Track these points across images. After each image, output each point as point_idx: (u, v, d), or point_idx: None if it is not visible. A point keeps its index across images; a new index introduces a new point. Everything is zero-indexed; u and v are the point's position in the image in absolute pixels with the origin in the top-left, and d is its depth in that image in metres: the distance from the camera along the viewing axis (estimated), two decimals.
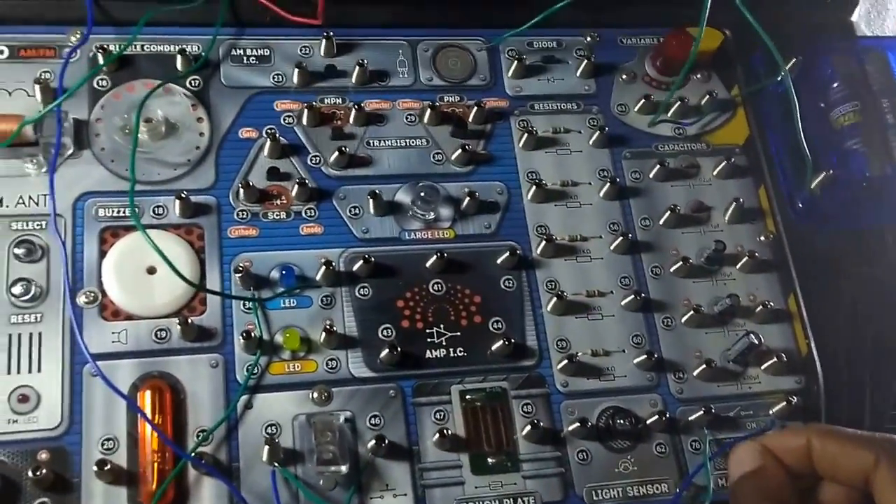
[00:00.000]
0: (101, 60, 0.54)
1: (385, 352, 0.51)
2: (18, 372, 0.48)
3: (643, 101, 0.59)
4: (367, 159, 0.56)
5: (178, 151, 0.54)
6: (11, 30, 0.54)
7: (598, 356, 0.54)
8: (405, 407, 0.51)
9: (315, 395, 0.50)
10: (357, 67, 0.57)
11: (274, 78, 0.57)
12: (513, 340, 0.52)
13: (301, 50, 0.58)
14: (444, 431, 0.50)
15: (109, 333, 0.49)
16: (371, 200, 0.54)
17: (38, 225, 0.50)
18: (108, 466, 0.46)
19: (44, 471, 0.45)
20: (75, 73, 0.54)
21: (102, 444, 0.47)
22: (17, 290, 0.49)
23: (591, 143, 0.58)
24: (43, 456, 0.47)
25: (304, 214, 0.54)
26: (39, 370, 0.48)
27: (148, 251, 0.49)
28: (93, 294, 0.50)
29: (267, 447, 0.48)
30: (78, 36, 0.54)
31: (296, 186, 0.53)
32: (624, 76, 0.61)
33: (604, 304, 0.55)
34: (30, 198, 0.51)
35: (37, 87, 0.52)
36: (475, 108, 0.57)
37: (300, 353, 0.51)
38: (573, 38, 0.61)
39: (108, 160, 0.53)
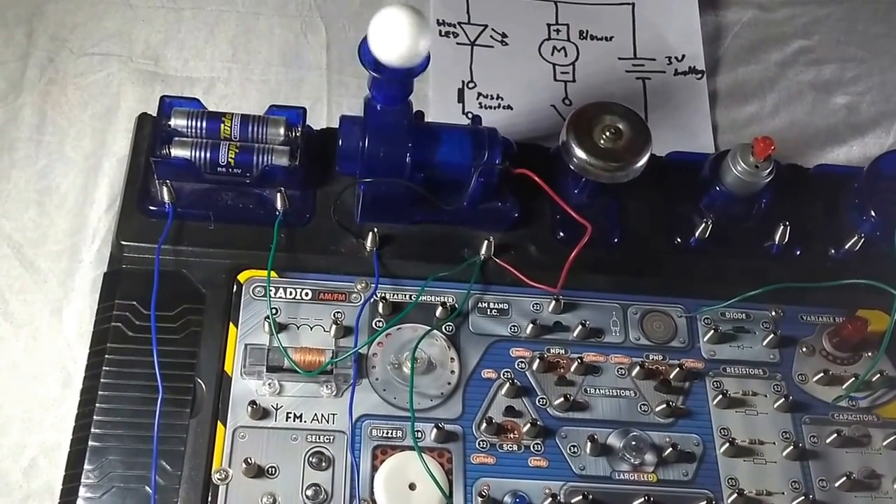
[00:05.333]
0: (380, 308, 0.67)
1: None
2: None
3: (822, 373, 0.69)
4: (585, 404, 0.67)
5: (435, 385, 0.66)
6: (315, 277, 0.69)
7: None
8: None
9: None
10: (580, 326, 0.69)
11: (510, 328, 0.69)
12: None
13: (533, 307, 0.70)
14: None
15: None
16: (589, 443, 0.64)
17: (328, 439, 0.63)
18: None
19: None
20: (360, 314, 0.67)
21: None
22: (309, 492, 0.61)
23: (775, 406, 0.68)
24: None
25: (532, 448, 0.65)
26: None
27: (411, 469, 0.61)
28: (366, 503, 0.61)
29: None
30: (364, 285, 0.68)
31: (527, 424, 0.64)
32: (804, 349, 0.71)
33: None
34: (322, 416, 0.63)
35: (333, 326, 0.66)
36: (676, 368, 0.68)
37: None
38: (760, 312, 0.72)
39: (381, 389, 0.65)
